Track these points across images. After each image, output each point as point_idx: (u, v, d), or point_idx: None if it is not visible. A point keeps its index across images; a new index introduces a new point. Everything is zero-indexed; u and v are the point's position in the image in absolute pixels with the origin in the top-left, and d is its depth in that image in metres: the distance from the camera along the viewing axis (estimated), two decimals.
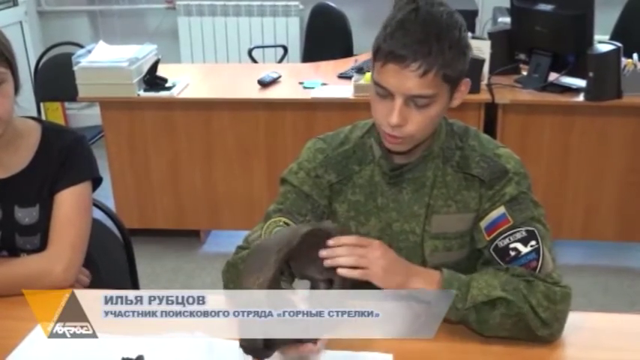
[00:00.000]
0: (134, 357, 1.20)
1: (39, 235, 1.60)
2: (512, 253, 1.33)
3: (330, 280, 1.23)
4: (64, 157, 1.59)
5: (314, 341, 1.15)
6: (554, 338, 1.29)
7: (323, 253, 1.21)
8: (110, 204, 1.96)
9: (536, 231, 1.34)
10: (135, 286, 1.96)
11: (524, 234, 1.33)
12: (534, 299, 1.26)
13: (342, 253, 1.21)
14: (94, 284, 1.65)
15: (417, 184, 1.44)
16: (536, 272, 1.30)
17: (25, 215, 1.59)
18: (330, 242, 1.21)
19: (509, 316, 1.26)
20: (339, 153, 1.48)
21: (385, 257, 1.25)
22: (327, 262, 1.21)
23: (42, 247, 1.58)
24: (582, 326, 1.34)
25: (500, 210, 1.37)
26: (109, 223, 1.95)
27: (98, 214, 1.84)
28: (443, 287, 1.26)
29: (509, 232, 1.35)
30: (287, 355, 1.16)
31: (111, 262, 1.91)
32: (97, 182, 1.67)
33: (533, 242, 1.32)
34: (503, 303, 1.25)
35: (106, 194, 3.19)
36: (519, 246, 1.33)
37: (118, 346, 1.28)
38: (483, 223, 1.39)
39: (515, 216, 1.35)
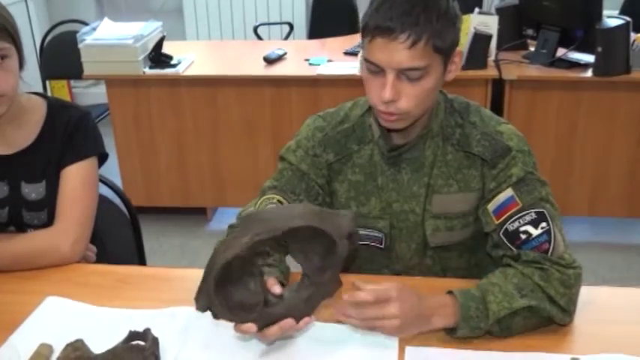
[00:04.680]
0: (141, 330, 1.21)
1: (46, 211, 1.61)
2: (523, 237, 1.30)
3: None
4: (69, 133, 1.59)
5: (297, 319, 1.14)
6: (570, 321, 1.27)
7: (337, 310, 1.16)
8: (117, 182, 1.97)
9: (545, 212, 1.31)
10: (142, 263, 1.98)
11: (533, 216, 1.31)
12: (552, 289, 1.24)
13: (355, 316, 1.16)
14: (100, 260, 1.66)
15: (416, 164, 1.42)
16: (548, 255, 1.28)
17: (32, 191, 1.60)
18: (345, 297, 1.15)
19: (532, 318, 1.24)
20: (339, 132, 1.46)
21: (401, 315, 1.17)
22: (339, 318, 1.17)
23: (49, 222, 1.59)
24: (591, 300, 1.34)
25: (508, 192, 1.34)
26: (116, 200, 1.96)
27: (105, 191, 1.85)
28: (461, 314, 1.21)
29: (518, 215, 1.32)
30: (268, 335, 1.15)
31: (118, 239, 1.92)
32: (102, 158, 1.67)
33: (543, 224, 1.30)
34: (526, 309, 1.23)
35: (112, 172, 3.20)
36: (530, 228, 1.30)
37: (126, 320, 1.30)
38: (491, 207, 1.36)
39: (524, 198, 1.33)
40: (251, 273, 1.14)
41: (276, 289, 1.16)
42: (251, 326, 1.12)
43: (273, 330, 1.14)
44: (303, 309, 1.16)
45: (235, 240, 1.10)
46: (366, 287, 1.18)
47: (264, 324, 1.14)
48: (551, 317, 1.24)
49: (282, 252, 1.25)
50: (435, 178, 1.42)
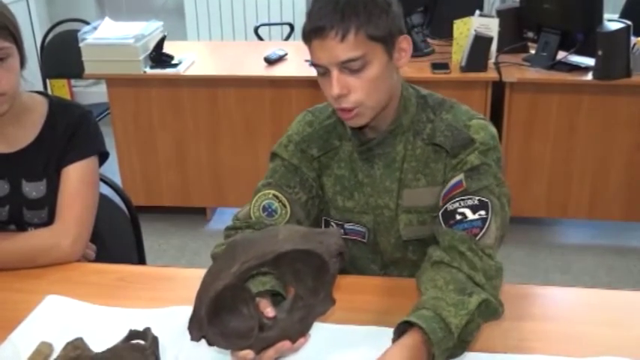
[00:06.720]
0: (141, 329, 1.21)
1: (46, 209, 1.61)
2: (458, 217, 1.30)
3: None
4: (70, 132, 1.60)
5: (292, 340, 1.15)
6: (503, 311, 1.26)
7: None
8: (116, 181, 1.97)
9: (490, 203, 1.30)
10: (142, 262, 1.98)
11: (475, 202, 1.30)
12: (479, 278, 1.23)
13: None
14: (101, 259, 1.66)
15: (388, 159, 1.44)
16: (476, 239, 1.26)
17: (33, 189, 1.60)
18: None
19: (485, 312, 1.21)
20: (323, 127, 1.49)
21: None
22: None
23: (50, 221, 1.60)
24: (589, 303, 1.34)
25: (459, 177, 1.34)
26: (116, 199, 1.96)
27: (106, 190, 1.85)
28: (433, 341, 1.11)
29: (460, 197, 1.31)
30: (265, 358, 1.14)
31: (118, 238, 1.93)
32: (103, 157, 1.67)
33: (482, 212, 1.29)
34: (481, 304, 1.19)
35: (112, 171, 3.20)
36: (467, 212, 1.30)
37: (126, 319, 1.30)
38: (442, 191, 1.37)
39: (471, 183, 1.32)
40: (243, 298, 1.13)
41: (269, 312, 1.15)
42: (248, 352, 1.13)
43: (270, 353, 1.15)
44: (298, 329, 1.16)
45: (223, 269, 1.08)
46: None
47: (260, 348, 1.14)
48: (493, 309, 1.22)
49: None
50: (406, 173, 1.44)
